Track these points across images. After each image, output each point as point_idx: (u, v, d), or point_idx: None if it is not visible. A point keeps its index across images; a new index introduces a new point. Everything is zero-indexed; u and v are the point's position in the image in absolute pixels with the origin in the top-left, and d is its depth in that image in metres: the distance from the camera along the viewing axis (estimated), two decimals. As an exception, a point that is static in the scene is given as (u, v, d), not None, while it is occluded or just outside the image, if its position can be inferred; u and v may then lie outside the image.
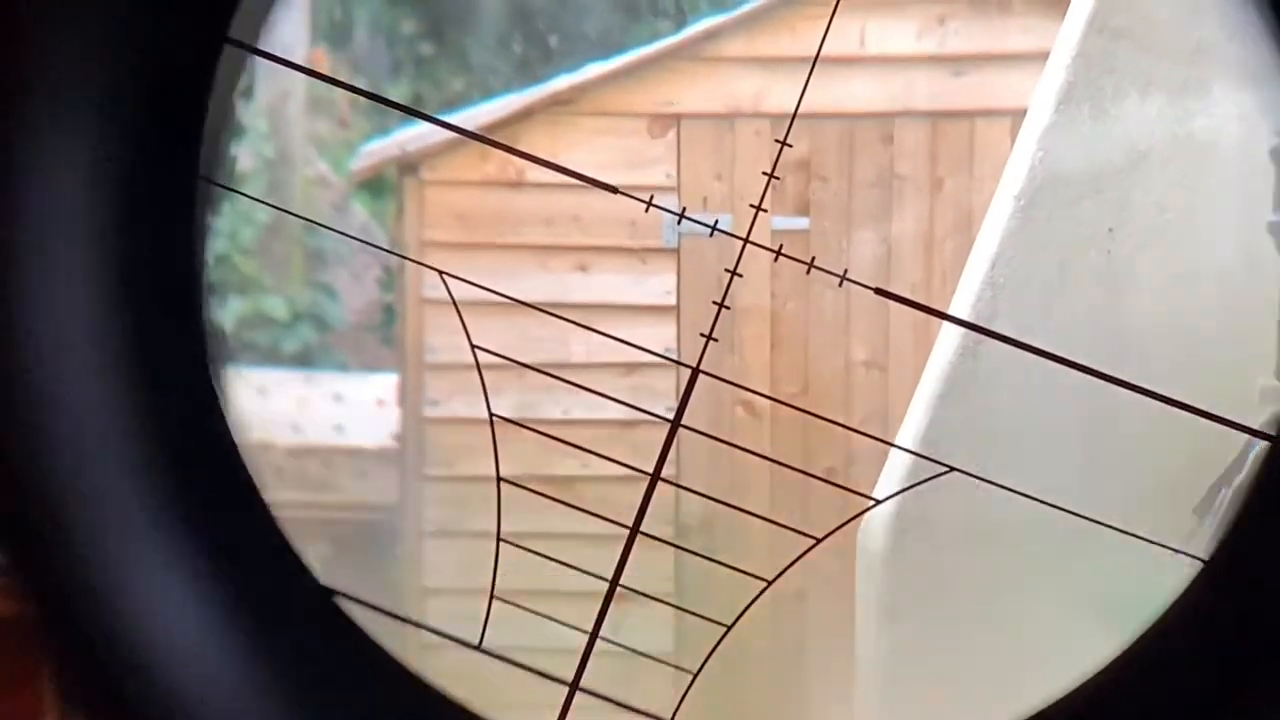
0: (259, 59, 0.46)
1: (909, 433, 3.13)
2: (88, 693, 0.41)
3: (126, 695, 0.40)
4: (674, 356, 4.74)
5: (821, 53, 4.12)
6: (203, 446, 0.44)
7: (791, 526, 0.79)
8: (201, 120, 0.42)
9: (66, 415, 0.41)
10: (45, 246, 0.39)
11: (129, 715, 0.40)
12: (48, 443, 0.41)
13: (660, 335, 4.64)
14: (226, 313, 6.53)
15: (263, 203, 7.13)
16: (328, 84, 7.25)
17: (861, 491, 3.38)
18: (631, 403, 0.90)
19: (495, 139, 5.06)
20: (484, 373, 0.84)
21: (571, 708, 0.56)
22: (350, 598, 0.46)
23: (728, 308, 0.78)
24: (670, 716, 0.68)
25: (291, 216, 6.97)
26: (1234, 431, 0.68)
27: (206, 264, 0.45)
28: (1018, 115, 3.35)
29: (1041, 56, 3.28)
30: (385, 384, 5.75)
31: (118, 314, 0.42)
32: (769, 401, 4.51)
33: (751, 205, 0.89)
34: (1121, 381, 0.77)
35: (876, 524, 3.08)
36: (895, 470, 2.89)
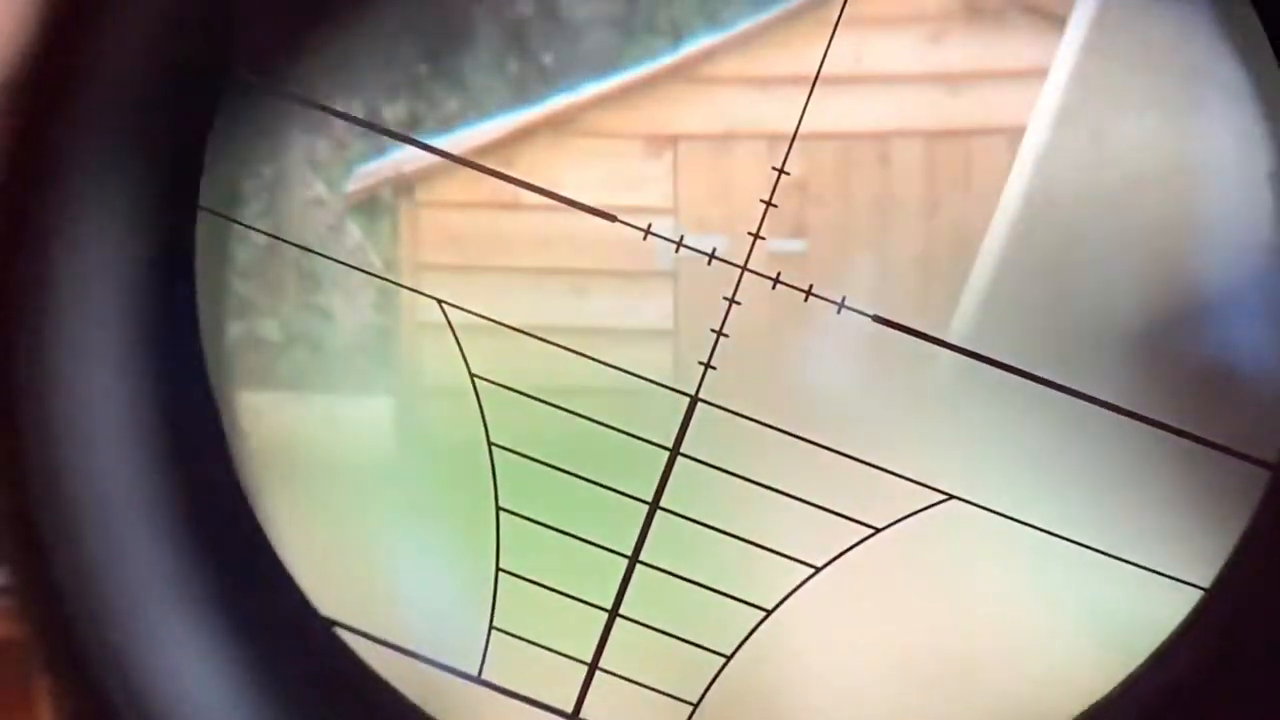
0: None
1: (908, 459, 3.13)
2: (84, 715, 0.42)
3: (130, 707, 0.41)
4: (671, 385, 4.74)
5: (821, 74, 4.12)
6: (205, 475, 0.45)
7: (791, 555, 0.80)
8: (202, 152, 0.43)
9: (70, 443, 0.42)
10: (49, 275, 0.40)
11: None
12: (51, 469, 0.41)
13: (658, 361, 4.63)
14: (222, 335, 6.53)
15: (263, 233, 7.16)
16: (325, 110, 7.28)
17: (862, 520, 3.38)
18: (628, 430, 0.91)
19: (490, 162, 5.06)
20: (481, 398, 0.84)
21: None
22: (351, 629, 0.47)
23: (726, 336, 0.79)
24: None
25: (289, 235, 6.96)
26: (1236, 460, 0.68)
27: (207, 289, 0.46)
28: (1014, 132, 3.37)
29: (1041, 73, 3.29)
30: (379, 409, 5.75)
31: (119, 337, 0.42)
32: (768, 430, 4.52)
33: (750, 233, 0.91)
34: (1121, 409, 0.78)
35: (880, 552, 3.09)
36: (897, 499, 2.89)
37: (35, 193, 0.36)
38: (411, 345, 5.36)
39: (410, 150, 5.22)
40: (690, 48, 5.45)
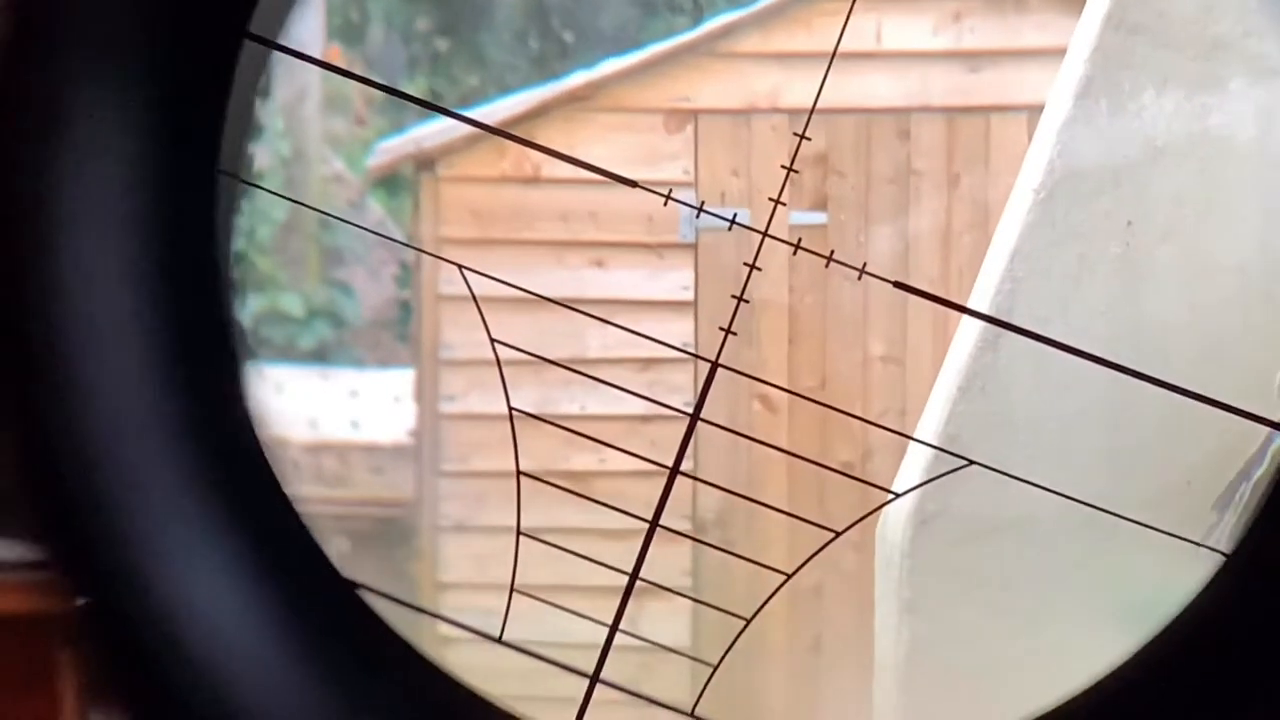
0: (277, 56, 0.47)
1: (927, 426, 3.13)
2: (125, 674, 0.41)
3: (161, 679, 0.40)
4: (692, 350, 4.74)
5: (839, 50, 4.12)
6: (230, 444, 0.45)
7: (810, 520, 0.79)
8: (222, 115, 0.42)
9: (97, 412, 0.41)
10: (72, 241, 0.39)
11: (164, 697, 0.41)
12: (81, 441, 0.41)
13: (678, 330, 4.64)
14: (243, 310, 6.53)
15: (284, 197, 7.15)
16: (344, 78, 7.25)
17: (880, 485, 3.38)
18: (650, 396, 0.90)
19: (514, 135, 5.06)
20: (503, 367, 0.84)
21: (592, 700, 0.56)
22: (374, 590, 0.47)
23: (746, 301, 0.78)
24: (690, 709, 0.68)
25: (307, 214, 6.97)
26: (1254, 425, 0.68)
27: (230, 257, 0.46)
28: (1034, 111, 3.35)
29: (1058, 52, 3.28)
30: (401, 380, 5.76)
31: (144, 307, 0.42)
32: (787, 396, 4.51)
33: (770, 199, 0.88)
34: (1141, 374, 0.77)
35: (895, 518, 3.08)
36: (914, 464, 2.89)
37: (41, 142, 0.36)
38: (432, 318, 5.37)
39: (431, 126, 5.22)
40: (711, 24, 5.47)
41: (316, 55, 6.42)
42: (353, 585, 0.47)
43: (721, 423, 0.76)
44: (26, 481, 0.41)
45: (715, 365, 0.72)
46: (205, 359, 0.44)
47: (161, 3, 0.39)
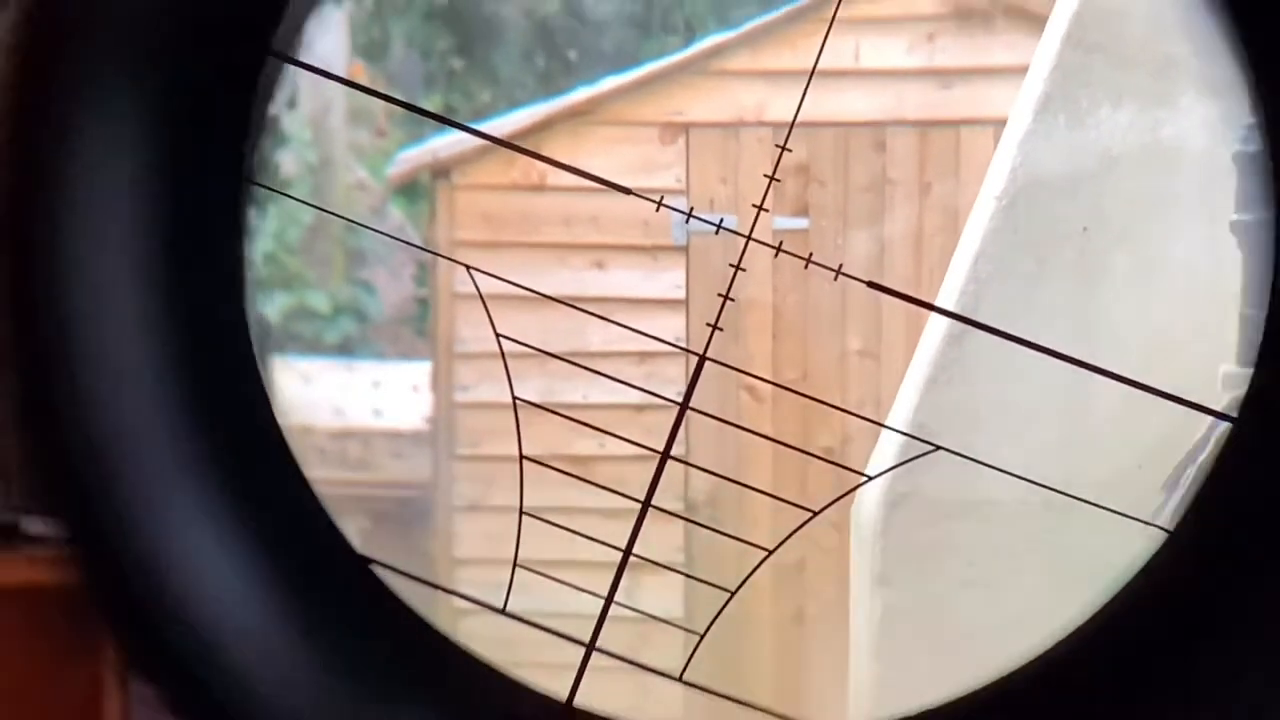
0: (298, 71, 0.46)
1: (899, 414, 3.13)
2: (141, 650, 0.41)
3: (177, 654, 0.40)
4: (683, 345, 4.74)
5: (818, 67, 4.12)
6: (248, 428, 0.44)
7: (791, 501, 0.79)
8: (246, 125, 0.42)
9: (120, 400, 0.41)
10: (100, 242, 0.39)
11: (181, 673, 0.40)
12: (101, 425, 0.41)
13: (670, 326, 4.64)
14: (273, 306, 6.54)
15: (310, 205, 7.14)
16: (366, 95, 7.25)
17: (855, 469, 3.38)
18: (644, 387, 0.90)
19: (522, 147, 5.05)
20: (508, 360, 0.83)
21: (588, 667, 0.55)
22: (386, 566, 0.46)
23: (733, 300, 0.78)
24: (679, 675, 0.68)
25: (333, 218, 6.98)
26: (1199, 414, 0.67)
27: (250, 259, 0.45)
28: (1000, 124, 3.35)
29: (1022, 70, 3.28)
30: (419, 371, 5.76)
31: (169, 306, 0.42)
32: (771, 386, 4.51)
33: (754, 205, 0.88)
34: (1095, 367, 0.77)
35: (869, 499, 3.08)
36: (886, 449, 2.89)
37: (67, 149, 0.35)
38: (448, 315, 5.36)
39: (446, 138, 5.21)
40: (702, 44, 5.46)
41: (341, 72, 6.41)
42: (366, 561, 0.46)
43: (711, 411, 0.76)
44: (51, 468, 0.41)
45: (704, 358, 0.72)
46: (226, 351, 0.44)
47: (187, 20, 0.38)
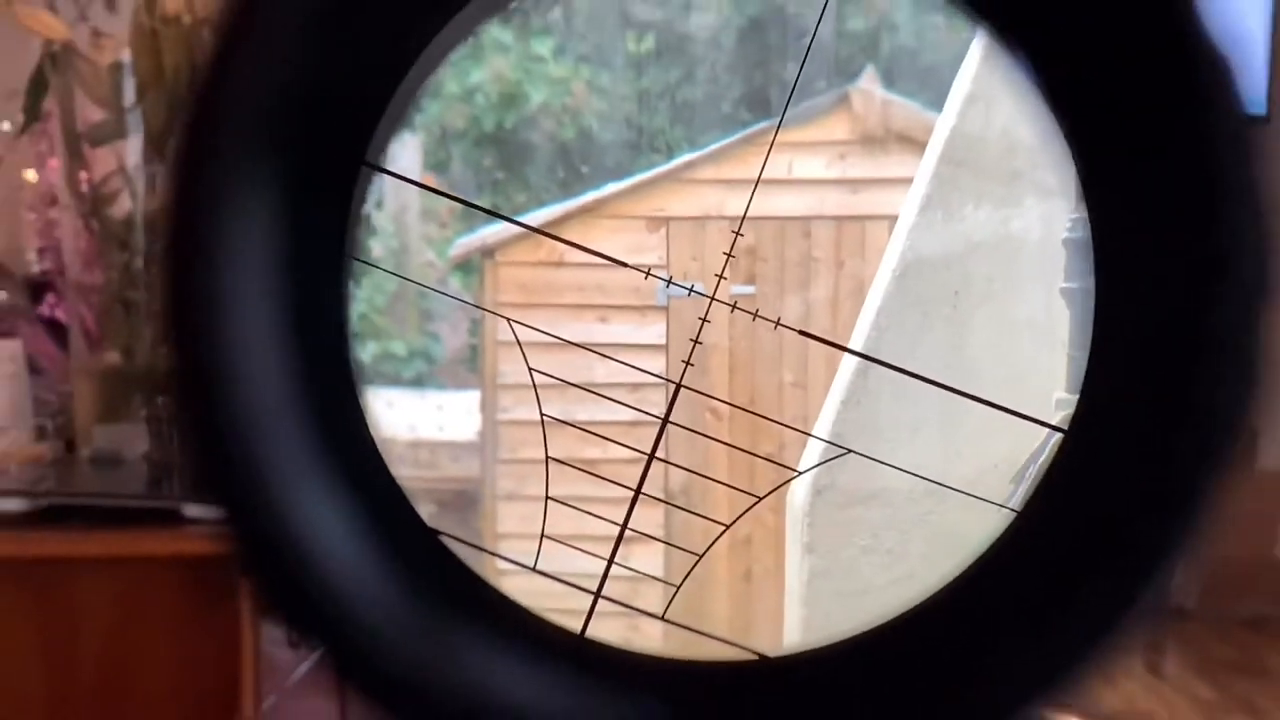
0: (385, 178, 0.47)
1: (821, 427, 3.13)
2: (277, 592, 0.41)
3: (302, 596, 0.40)
4: (664, 377, 4.74)
5: (762, 177, 4.13)
6: (354, 437, 0.44)
7: (743, 489, 0.79)
8: (347, 218, 0.42)
9: (263, 418, 0.41)
10: (244, 300, 0.39)
11: (305, 607, 0.40)
12: (249, 434, 0.41)
13: (655, 364, 4.65)
14: (366, 352, 6.54)
15: (395, 274, 7.13)
16: (434, 196, 7.27)
17: (790, 466, 3.38)
18: (636, 407, 0.90)
19: (548, 232, 5.05)
20: (538, 389, 0.84)
21: (595, 611, 0.55)
22: (449, 535, 0.46)
23: (700, 344, 0.78)
24: (661, 615, 0.67)
25: (410, 286, 6.99)
26: (1038, 426, 0.67)
27: (352, 316, 0.46)
28: (893, 219, 3.36)
29: (908, 180, 3.29)
30: (471, 398, 5.76)
31: (296, 349, 0.42)
32: (728, 407, 4.51)
33: (716, 275, 0.88)
34: (964, 393, 0.77)
35: (799, 489, 3.08)
36: (812, 453, 2.89)
37: (214, 236, 0.36)
38: (492, 357, 5.36)
39: (492, 228, 5.21)
40: (678, 160, 5.48)
41: (417, 179, 6.42)
42: (435, 532, 0.47)
43: (684, 424, 0.76)
44: (212, 465, 0.41)
45: (679, 386, 0.72)
46: (337, 382, 0.44)
47: (303, 139, 0.39)
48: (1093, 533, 0.42)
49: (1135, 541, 0.41)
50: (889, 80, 5.29)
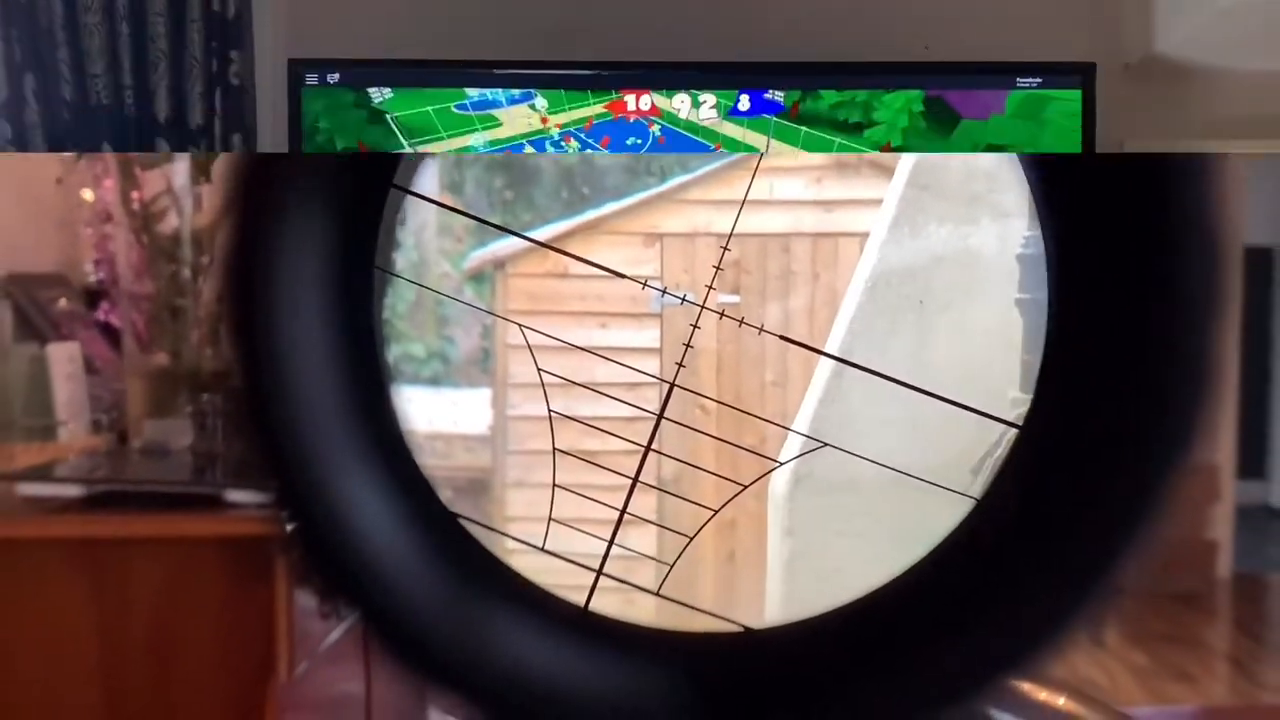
0: (412, 199, 0.47)
1: (800, 423, 3.13)
2: (322, 564, 0.41)
3: (337, 569, 0.40)
4: (659, 377, 4.74)
5: (747, 198, 4.13)
6: (385, 429, 0.45)
7: (729, 478, 0.80)
8: (376, 232, 0.42)
9: (308, 412, 0.41)
10: (294, 307, 0.40)
11: (338, 579, 0.41)
12: (295, 427, 0.41)
13: (650, 365, 4.65)
14: (389, 354, 6.53)
15: (416, 283, 7.12)
16: (451, 214, 7.27)
17: (771, 457, 3.38)
18: (633, 404, 0.90)
19: (554, 246, 5.05)
20: (546, 387, 0.84)
21: (597, 587, 0.55)
22: (466, 518, 0.47)
23: (691, 347, 0.79)
24: (656, 590, 0.68)
25: (429, 294, 6.98)
26: (996, 423, 0.67)
27: (382, 322, 0.46)
28: (865, 236, 3.36)
29: (878, 202, 3.29)
30: (484, 396, 5.75)
31: (336, 349, 0.42)
32: (715, 404, 4.51)
33: (706, 286, 0.89)
34: (929, 392, 0.77)
35: (780, 478, 3.08)
36: (792, 446, 2.89)
37: (265, 253, 0.36)
38: (503, 359, 5.35)
39: (502, 243, 5.20)
40: (671, 183, 5.47)
41: (436, 199, 6.42)
42: (454, 515, 0.47)
43: (676, 419, 0.77)
44: (263, 454, 0.41)
45: (673, 385, 0.72)
46: (370, 380, 0.44)
47: (336, 170, 0.39)
48: (1046, 518, 0.43)
49: (1085, 526, 0.41)
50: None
